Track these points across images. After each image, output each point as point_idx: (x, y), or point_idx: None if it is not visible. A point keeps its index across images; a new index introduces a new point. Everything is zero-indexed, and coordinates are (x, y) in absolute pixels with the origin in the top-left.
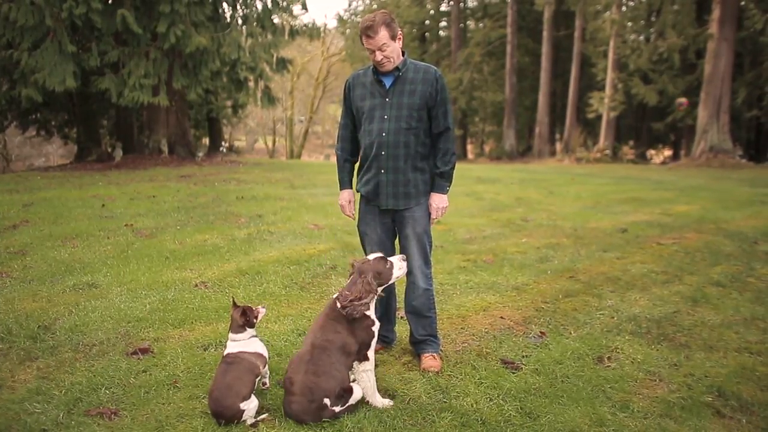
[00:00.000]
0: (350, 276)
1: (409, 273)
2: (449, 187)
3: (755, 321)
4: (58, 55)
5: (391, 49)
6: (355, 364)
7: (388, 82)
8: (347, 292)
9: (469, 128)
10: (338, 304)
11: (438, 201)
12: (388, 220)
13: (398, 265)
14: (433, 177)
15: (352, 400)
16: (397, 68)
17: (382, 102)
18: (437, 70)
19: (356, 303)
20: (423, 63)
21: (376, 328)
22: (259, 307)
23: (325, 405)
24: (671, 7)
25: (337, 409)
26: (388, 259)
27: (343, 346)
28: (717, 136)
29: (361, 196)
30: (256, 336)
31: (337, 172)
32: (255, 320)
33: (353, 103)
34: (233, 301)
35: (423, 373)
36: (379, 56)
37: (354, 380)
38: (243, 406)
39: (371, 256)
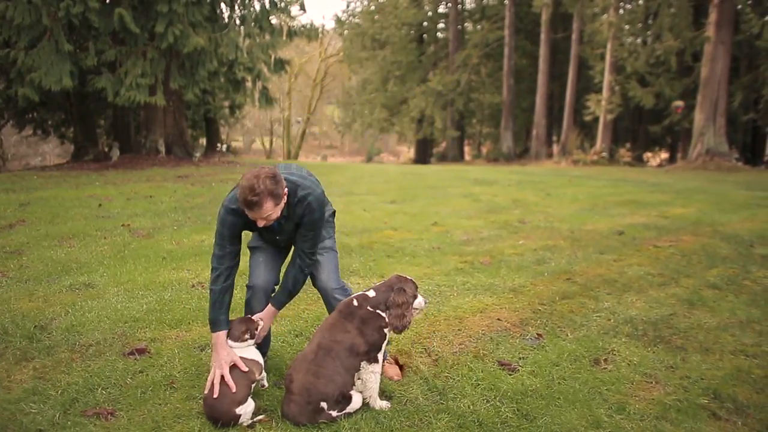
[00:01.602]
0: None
1: (325, 293)
2: (286, 304)
3: (751, 324)
4: (54, 54)
5: (275, 214)
6: (364, 363)
7: (275, 224)
8: (393, 299)
9: (466, 130)
10: (355, 303)
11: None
12: (284, 247)
13: (419, 304)
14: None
15: (350, 408)
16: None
17: (274, 238)
18: (307, 195)
19: (405, 321)
20: (300, 192)
21: (388, 329)
22: (258, 316)
23: (322, 408)
24: (668, 10)
25: (334, 413)
26: (418, 293)
27: (352, 347)
28: (713, 139)
29: None
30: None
31: (210, 309)
32: (255, 332)
33: (240, 230)
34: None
35: (420, 375)
36: (261, 223)
37: (357, 381)
38: (239, 410)
39: (410, 277)
